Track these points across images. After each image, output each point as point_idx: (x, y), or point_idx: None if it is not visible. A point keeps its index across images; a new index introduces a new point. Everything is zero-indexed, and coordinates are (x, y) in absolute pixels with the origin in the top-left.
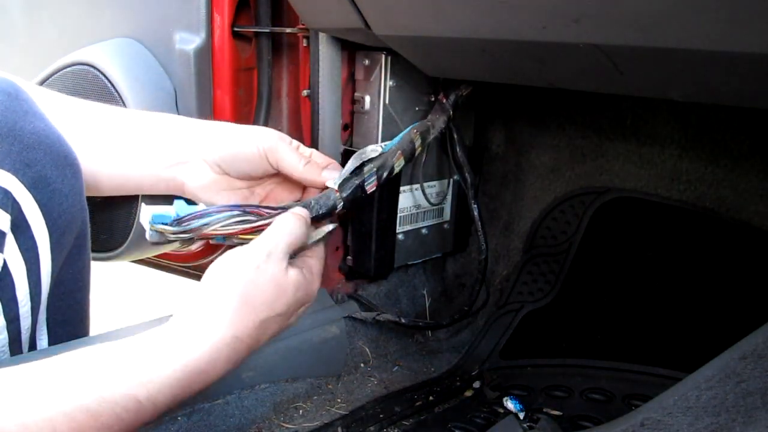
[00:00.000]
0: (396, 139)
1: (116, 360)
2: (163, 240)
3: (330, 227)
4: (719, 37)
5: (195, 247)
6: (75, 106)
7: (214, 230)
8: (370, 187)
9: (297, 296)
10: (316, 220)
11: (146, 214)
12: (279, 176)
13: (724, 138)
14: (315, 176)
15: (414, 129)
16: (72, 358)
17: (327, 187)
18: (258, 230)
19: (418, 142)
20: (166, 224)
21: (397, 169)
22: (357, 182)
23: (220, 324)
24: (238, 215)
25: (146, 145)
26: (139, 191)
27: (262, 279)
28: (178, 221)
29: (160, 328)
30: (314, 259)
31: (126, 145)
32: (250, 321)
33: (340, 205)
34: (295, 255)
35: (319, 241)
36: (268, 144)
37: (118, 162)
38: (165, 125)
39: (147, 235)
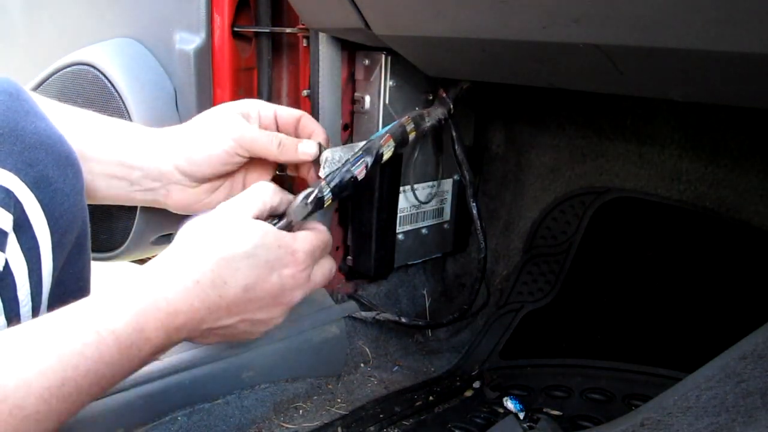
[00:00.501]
0: (386, 127)
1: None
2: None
3: (308, 191)
4: (719, 37)
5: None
6: (64, 114)
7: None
8: (359, 171)
9: (266, 241)
10: (309, 214)
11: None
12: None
13: (724, 138)
14: (292, 156)
15: (406, 116)
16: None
17: (304, 162)
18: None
19: (410, 127)
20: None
21: (387, 154)
22: (343, 169)
23: (179, 269)
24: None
25: (114, 174)
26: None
27: (218, 224)
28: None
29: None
30: (306, 231)
31: (99, 165)
32: (206, 262)
33: (327, 192)
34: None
35: (308, 215)
36: (230, 139)
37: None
38: (131, 148)
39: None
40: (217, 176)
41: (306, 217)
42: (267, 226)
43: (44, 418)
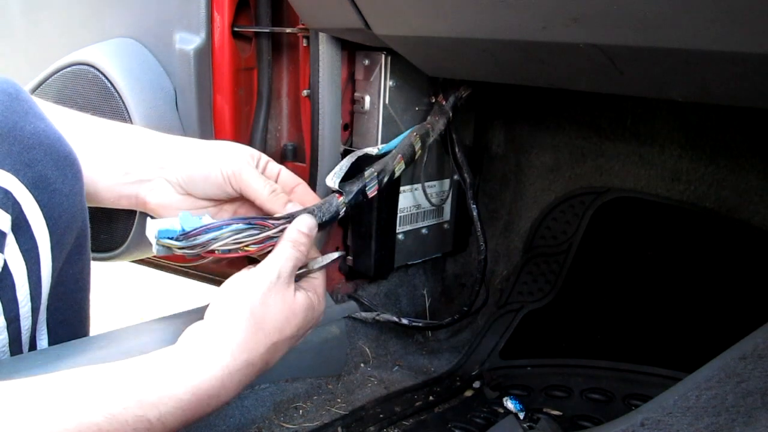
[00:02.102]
0: (395, 142)
1: (126, 378)
2: (170, 254)
3: (336, 255)
4: (719, 37)
5: (205, 261)
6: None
7: (222, 244)
8: (372, 191)
9: (306, 319)
10: (321, 228)
11: (152, 228)
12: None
13: (724, 138)
14: (278, 208)
15: (414, 132)
16: (82, 374)
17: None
18: (264, 242)
19: (417, 145)
20: (172, 239)
21: (398, 173)
22: (358, 188)
23: (233, 349)
24: (245, 228)
25: (108, 160)
26: (99, 205)
27: (272, 303)
28: (185, 236)
29: (173, 348)
30: (319, 281)
31: (86, 157)
32: (262, 345)
33: (342, 211)
34: (299, 275)
35: (324, 266)
36: (232, 169)
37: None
38: (130, 139)
39: (154, 250)
40: (202, 196)
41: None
42: (308, 301)
43: None
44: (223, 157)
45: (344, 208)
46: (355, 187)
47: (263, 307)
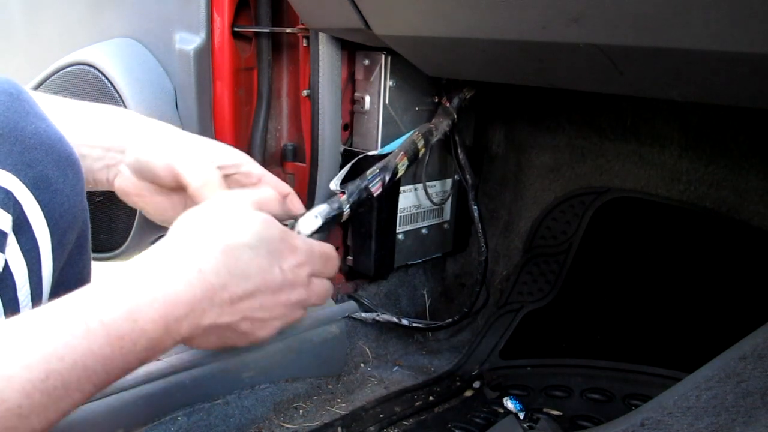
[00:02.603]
0: (398, 142)
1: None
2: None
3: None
4: (719, 37)
5: None
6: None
7: None
8: (375, 189)
9: (270, 232)
10: (327, 227)
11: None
12: None
13: (724, 138)
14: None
15: (417, 131)
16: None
17: None
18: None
19: (420, 144)
20: None
21: (401, 171)
22: (361, 185)
23: (180, 256)
24: None
25: (85, 145)
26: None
27: (220, 213)
28: None
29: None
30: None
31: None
32: (209, 250)
33: (347, 208)
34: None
35: (318, 231)
36: (169, 158)
37: None
38: (106, 124)
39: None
40: (160, 184)
41: (315, 232)
42: (269, 217)
43: (28, 413)
44: (172, 145)
45: (347, 206)
46: (357, 185)
47: (208, 218)
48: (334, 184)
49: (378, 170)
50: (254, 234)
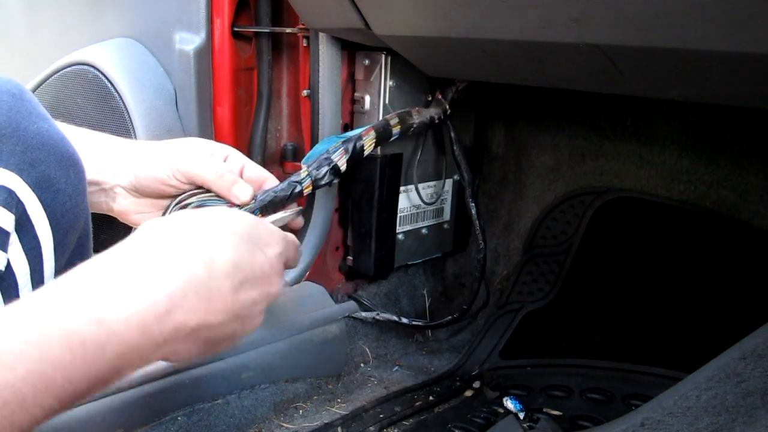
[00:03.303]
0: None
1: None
2: None
3: (290, 212)
4: (718, 37)
5: None
6: None
7: None
8: (338, 157)
9: (246, 219)
10: (289, 201)
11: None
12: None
13: (724, 138)
14: (224, 190)
15: (393, 113)
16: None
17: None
18: None
19: (394, 122)
20: None
21: (367, 146)
22: (323, 156)
23: (154, 249)
24: None
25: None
26: None
27: (193, 214)
28: None
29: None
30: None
31: None
32: (189, 240)
33: (307, 181)
34: None
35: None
36: (175, 161)
37: None
38: (94, 150)
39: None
40: (160, 195)
41: (270, 206)
42: (243, 212)
43: None
44: (168, 153)
45: (308, 178)
46: (319, 156)
47: (187, 218)
48: (304, 163)
49: (341, 142)
50: (234, 225)
